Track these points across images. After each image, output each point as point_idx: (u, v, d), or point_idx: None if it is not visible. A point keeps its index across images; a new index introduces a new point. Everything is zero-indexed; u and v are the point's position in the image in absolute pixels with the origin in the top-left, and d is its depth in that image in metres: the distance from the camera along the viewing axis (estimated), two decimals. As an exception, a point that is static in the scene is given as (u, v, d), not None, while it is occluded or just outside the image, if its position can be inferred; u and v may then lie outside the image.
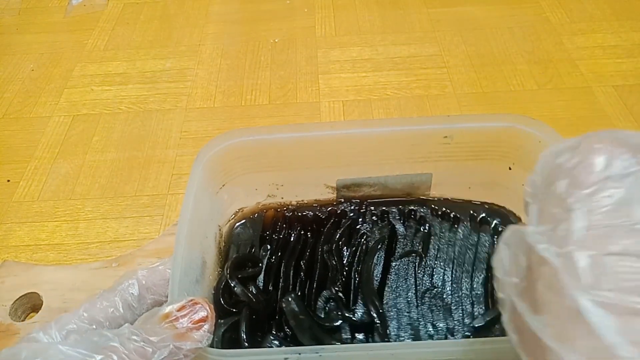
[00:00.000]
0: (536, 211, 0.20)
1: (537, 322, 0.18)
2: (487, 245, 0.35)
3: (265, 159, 0.34)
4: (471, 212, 0.36)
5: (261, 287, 0.33)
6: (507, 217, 0.36)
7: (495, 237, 0.35)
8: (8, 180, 0.47)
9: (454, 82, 0.53)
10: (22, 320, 0.37)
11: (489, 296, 0.32)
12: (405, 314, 0.31)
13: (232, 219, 0.36)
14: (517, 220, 0.36)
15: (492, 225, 0.36)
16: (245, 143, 0.33)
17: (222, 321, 0.30)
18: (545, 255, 0.18)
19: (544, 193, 0.20)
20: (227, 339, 0.30)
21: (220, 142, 0.33)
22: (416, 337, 0.30)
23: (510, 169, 0.35)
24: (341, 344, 0.30)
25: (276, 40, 0.60)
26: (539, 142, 0.32)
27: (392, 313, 0.31)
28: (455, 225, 0.35)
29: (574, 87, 0.52)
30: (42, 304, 0.37)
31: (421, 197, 0.37)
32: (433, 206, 0.36)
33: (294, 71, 0.56)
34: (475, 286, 0.32)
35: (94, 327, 0.24)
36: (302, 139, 0.33)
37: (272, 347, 0.30)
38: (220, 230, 0.35)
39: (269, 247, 0.35)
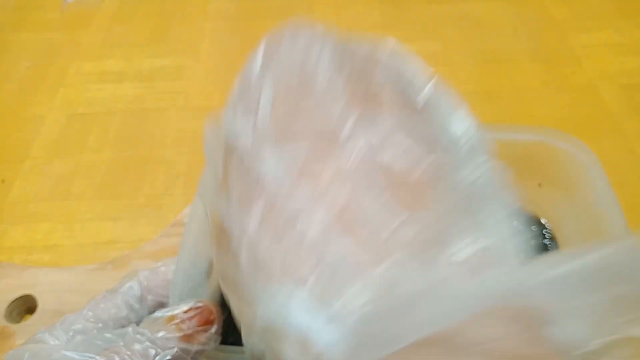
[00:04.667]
0: (234, 98, 0.19)
1: (225, 207, 0.17)
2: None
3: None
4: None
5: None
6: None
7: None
8: (3, 181, 0.47)
9: (457, 80, 0.53)
10: (18, 323, 0.36)
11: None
12: None
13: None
14: (540, 231, 0.35)
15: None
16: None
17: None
18: (236, 134, 0.17)
19: (245, 79, 0.19)
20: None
21: None
22: None
23: (540, 185, 0.34)
24: None
25: (275, 38, 0.59)
26: (571, 160, 0.31)
27: None
28: None
29: (579, 85, 0.51)
30: (37, 306, 0.36)
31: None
32: None
33: (293, 69, 0.55)
34: None
35: (100, 325, 0.24)
36: None
37: None
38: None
39: None
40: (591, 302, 0.12)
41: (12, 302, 0.36)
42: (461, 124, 0.17)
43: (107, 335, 0.21)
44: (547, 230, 0.35)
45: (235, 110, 0.18)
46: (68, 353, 0.21)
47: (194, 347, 0.21)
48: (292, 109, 0.17)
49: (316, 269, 0.14)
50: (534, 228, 0.35)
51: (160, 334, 0.21)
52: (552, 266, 0.12)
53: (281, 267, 0.14)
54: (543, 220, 0.35)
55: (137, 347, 0.20)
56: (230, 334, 0.29)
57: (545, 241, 0.34)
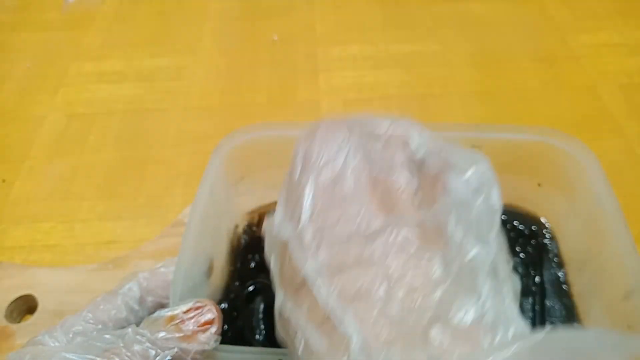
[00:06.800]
0: (282, 201, 0.23)
1: (282, 301, 0.21)
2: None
3: (288, 155, 0.34)
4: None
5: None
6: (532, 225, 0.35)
7: (518, 248, 0.34)
8: (3, 181, 0.47)
9: (457, 80, 0.53)
10: (18, 322, 0.36)
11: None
12: None
13: (249, 214, 0.36)
14: (540, 230, 0.35)
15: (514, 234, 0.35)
16: (269, 137, 0.32)
17: (236, 314, 0.30)
18: (284, 237, 0.21)
19: (288, 183, 0.23)
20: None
21: (242, 134, 0.32)
22: None
23: (539, 185, 0.34)
24: None
25: (275, 38, 0.59)
26: (571, 160, 0.31)
27: None
28: None
29: (579, 85, 0.51)
30: (37, 306, 0.36)
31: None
32: None
33: (293, 69, 0.55)
34: None
35: (100, 327, 0.25)
36: None
37: None
38: (236, 226, 0.35)
39: None
40: None
41: (13, 302, 0.36)
42: (474, 182, 0.21)
43: (107, 336, 0.21)
44: (547, 230, 0.35)
45: (283, 215, 0.22)
46: (68, 355, 0.21)
47: (194, 347, 0.21)
48: (326, 216, 0.21)
49: None
50: (534, 228, 0.35)
51: (160, 334, 0.21)
52: (502, 349, 0.16)
53: (324, 354, 0.18)
54: (543, 220, 0.35)
55: (137, 347, 0.21)
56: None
57: (545, 241, 0.34)
